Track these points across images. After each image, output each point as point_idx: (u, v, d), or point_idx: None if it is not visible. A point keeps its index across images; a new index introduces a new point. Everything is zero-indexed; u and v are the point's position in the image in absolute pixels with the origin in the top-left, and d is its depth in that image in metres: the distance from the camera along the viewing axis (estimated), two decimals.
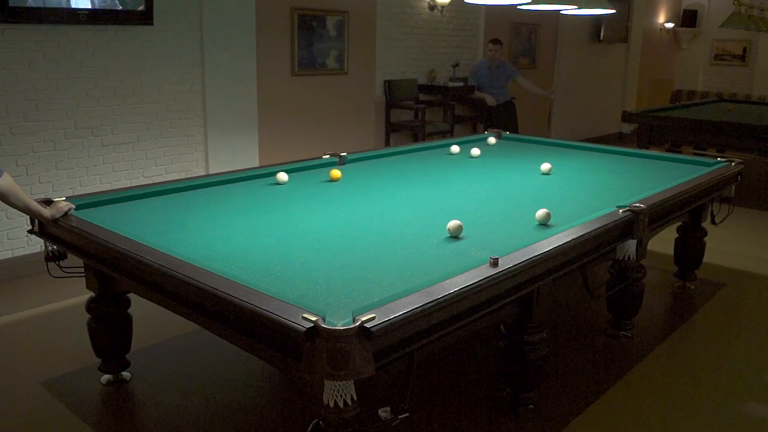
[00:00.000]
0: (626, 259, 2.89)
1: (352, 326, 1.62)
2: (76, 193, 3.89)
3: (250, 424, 2.67)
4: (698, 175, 3.66)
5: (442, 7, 7.34)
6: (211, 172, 4.93)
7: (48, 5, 4.01)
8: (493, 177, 3.75)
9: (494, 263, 2.10)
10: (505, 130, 5.28)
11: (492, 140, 4.85)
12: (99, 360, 2.94)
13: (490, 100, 7.24)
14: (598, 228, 2.61)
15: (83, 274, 2.80)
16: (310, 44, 6.07)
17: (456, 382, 2.99)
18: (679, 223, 4.01)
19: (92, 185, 4.46)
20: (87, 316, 2.87)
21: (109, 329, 2.87)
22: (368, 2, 6.54)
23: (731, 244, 5.05)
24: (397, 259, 2.30)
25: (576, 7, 5.08)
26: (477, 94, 7.34)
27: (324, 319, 1.66)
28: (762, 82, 11.05)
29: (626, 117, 7.10)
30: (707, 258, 4.24)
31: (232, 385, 2.97)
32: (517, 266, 2.15)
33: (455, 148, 4.39)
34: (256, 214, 2.86)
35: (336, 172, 3.46)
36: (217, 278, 1.97)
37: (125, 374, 2.96)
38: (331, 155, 3.91)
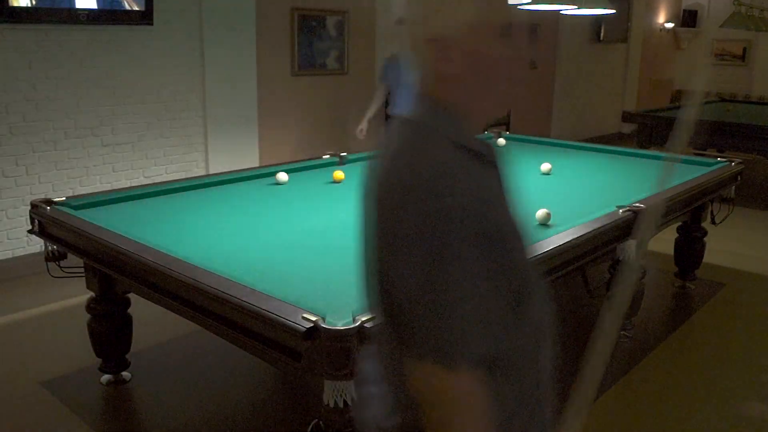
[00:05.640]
0: (626, 259, 2.89)
1: (352, 326, 1.62)
2: (76, 193, 3.89)
3: (250, 424, 2.67)
4: (698, 175, 3.67)
5: None
6: (211, 172, 4.93)
7: (48, 5, 4.01)
8: None
9: None
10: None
11: (501, 141, 4.76)
12: (99, 360, 2.93)
13: (359, 130, 5.32)
14: (598, 228, 2.61)
15: (83, 274, 2.80)
16: (310, 44, 6.07)
17: None
18: (679, 223, 4.01)
19: (92, 185, 4.46)
20: (87, 316, 2.87)
21: (109, 329, 2.87)
22: (368, 2, 6.54)
23: (731, 244, 5.04)
24: None
25: (576, 7, 5.09)
26: (376, 103, 5.43)
27: (324, 319, 1.66)
28: (762, 82, 11.04)
29: (626, 117, 7.10)
30: (707, 258, 4.24)
31: (232, 385, 2.97)
32: None
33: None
34: (256, 214, 2.86)
35: (339, 174, 3.46)
36: (217, 278, 1.97)
37: (125, 374, 2.96)
38: (332, 155, 3.91)
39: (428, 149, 1.01)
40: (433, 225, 0.93)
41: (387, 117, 5.42)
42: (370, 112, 5.40)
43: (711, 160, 4.13)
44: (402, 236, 0.95)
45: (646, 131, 6.85)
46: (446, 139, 1.03)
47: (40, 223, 2.71)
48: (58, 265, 2.74)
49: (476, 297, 0.94)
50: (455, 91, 1.07)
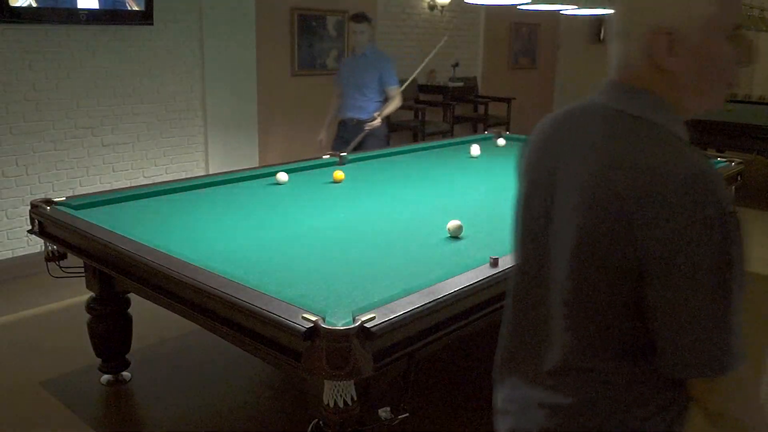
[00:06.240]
0: None
1: (352, 326, 1.62)
2: (76, 193, 3.89)
3: (250, 424, 2.67)
4: None
5: (442, 7, 7.34)
6: (211, 172, 4.93)
7: (49, 5, 4.01)
8: (493, 177, 3.75)
9: (494, 263, 2.10)
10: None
11: (501, 141, 4.76)
12: (99, 360, 2.94)
13: (319, 140, 5.01)
14: None
15: (83, 274, 2.80)
16: (310, 44, 6.07)
17: (456, 382, 2.99)
18: None
19: (92, 185, 4.46)
20: (87, 316, 2.87)
21: (109, 329, 2.87)
22: (368, 2, 6.54)
23: None
24: (397, 259, 2.30)
25: (576, 7, 5.09)
26: (332, 107, 5.07)
27: (324, 319, 1.66)
28: (762, 82, 11.04)
29: None
30: None
31: (232, 384, 2.97)
32: None
33: (475, 150, 4.20)
34: (256, 214, 2.86)
35: (339, 174, 3.46)
36: (217, 278, 1.97)
37: (125, 374, 2.96)
38: (332, 155, 3.91)
39: (681, 152, 0.96)
40: (727, 237, 0.97)
41: (340, 123, 4.95)
42: (328, 120, 5.08)
43: (711, 161, 4.13)
44: (701, 254, 0.96)
45: None
46: (680, 139, 0.99)
47: (40, 223, 2.71)
48: (58, 265, 2.74)
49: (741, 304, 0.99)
50: (669, 87, 1.01)
